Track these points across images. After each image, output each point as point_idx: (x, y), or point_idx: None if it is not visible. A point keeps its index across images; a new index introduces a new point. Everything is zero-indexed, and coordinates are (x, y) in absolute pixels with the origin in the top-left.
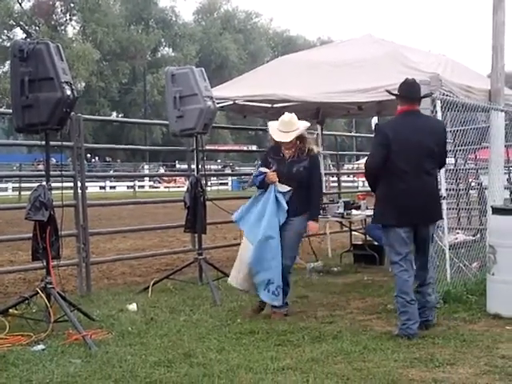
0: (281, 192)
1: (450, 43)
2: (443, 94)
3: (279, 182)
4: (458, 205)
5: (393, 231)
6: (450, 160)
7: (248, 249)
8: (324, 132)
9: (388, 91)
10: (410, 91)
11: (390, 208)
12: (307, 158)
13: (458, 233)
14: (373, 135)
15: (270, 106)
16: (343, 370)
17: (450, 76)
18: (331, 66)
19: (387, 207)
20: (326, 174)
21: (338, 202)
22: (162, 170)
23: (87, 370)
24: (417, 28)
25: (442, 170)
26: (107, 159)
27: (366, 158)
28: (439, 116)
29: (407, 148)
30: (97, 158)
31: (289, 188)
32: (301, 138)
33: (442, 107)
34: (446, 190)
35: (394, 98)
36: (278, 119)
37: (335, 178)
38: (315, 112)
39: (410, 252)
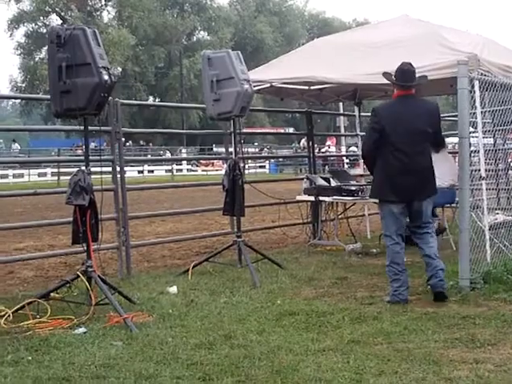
0: None
1: (488, 23)
2: (481, 74)
3: None
4: (497, 185)
5: (387, 206)
6: (488, 140)
7: None
8: (362, 113)
9: (385, 77)
10: (403, 78)
11: (385, 185)
12: None
13: (497, 213)
14: None
15: (307, 88)
16: (383, 350)
17: (487, 56)
18: (368, 47)
19: (383, 184)
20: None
21: None
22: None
23: (128, 352)
24: (453, 8)
25: (481, 151)
26: (141, 143)
27: None
28: (477, 96)
29: (401, 129)
30: (130, 142)
31: None
32: None
33: (480, 87)
34: (486, 170)
35: (433, 78)
36: (315, 102)
37: None
38: (352, 93)
39: (402, 227)
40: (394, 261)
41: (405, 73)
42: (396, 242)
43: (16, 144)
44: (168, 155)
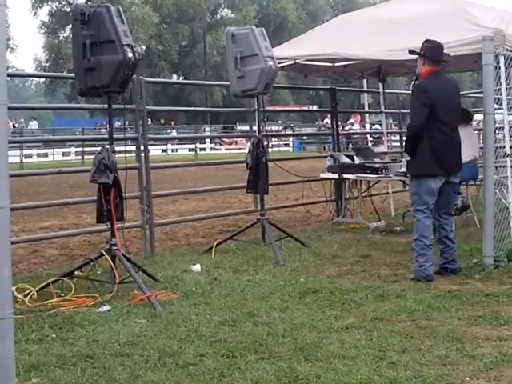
0: None
1: None
2: (507, 50)
3: None
4: None
5: (426, 182)
6: None
7: None
8: (385, 90)
9: (412, 51)
10: (437, 53)
11: (430, 160)
12: None
13: None
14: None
15: (331, 64)
16: (407, 328)
17: None
18: (392, 24)
19: (428, 159)
20: (387, 133)
21: (400, 161)
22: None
23: (152, 329)
24: None
25: (506, 128)
26: (162, 121)
27: None
28: (503, 72)
29: (446, 104)
30: (149, 120)
31: None
32: None
33: (505, 63)
34: (510, 147)
35: (458, 54)
36: (339, 78)
37: (397, 138)
38: (376, 70)
39: (434, 203)
40: (422, 234)
41: (439, 49)
42: (427, 216)
43: (34, 122)
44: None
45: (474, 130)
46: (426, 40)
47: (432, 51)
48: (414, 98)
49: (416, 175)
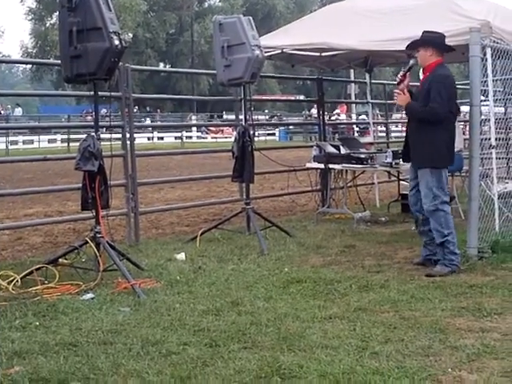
0: None
1: None
2: (493, 42)
3: None
4: (507, 154)
5: (444, 173)
6: (499, 109)
7: None
8: (372, 81)
9: (424, 42)
10: (445, 43)
11: (447, 151)
12: None
13: (507, 182)
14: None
15: (318, 54)
16: (390, 318)
17: (500, 23)
18: (380, 14)
19: (445, 150)
20: (374, 124)
21: (386, 152)
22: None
23: (136, 318)
24: None
25: (492, 119)
26: (148, 109)
27: None
28: (489, 64)
29: (455, 97)
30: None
31: None
32: None
33: (492, 55)
34: (496, 139)
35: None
36: (326, 68)
37: (383, 128)
38: (364, 60)
39: None
40: (452, 226)
41: (444, 39)
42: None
43: (19, 108)
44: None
45: (459, 121)
46: (427, 31)
47: (441, 41)
48: (444, 86)
49: (435, 167)
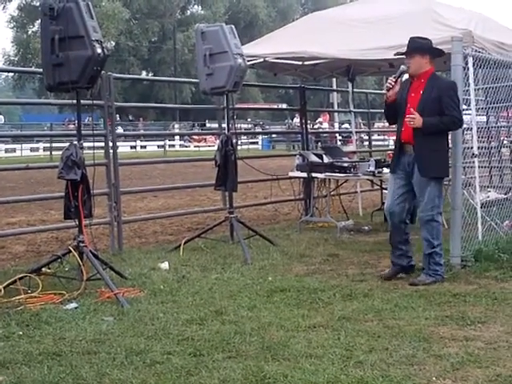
0: None
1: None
2: (475, 51)
3: None
4: (489, 163)
5: (442, 183)
6: (481, 118)
7: None
8: (355, 90)
9: (435, 49)
10: (440, 51)
11: (448, 161)
12: None
13: (489, 191)
14: None
15: (300, 63)
16: (374, 327)
17: (482, 32)
18: (362, 23)
19: (448, 160)
20: (356, 133)
21: (368, 161)
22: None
23: (119, 327)
24: None
25: (474, 128)
26: (130, 118)
27: None
28: (471, 73)
29: None
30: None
31: None
32: None
33: (474, 64)
34: (478, 148)
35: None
36: (308, 77)
37: (366, 137)
38: (346, 69)
39: None
40: (440, 237)
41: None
42: None
43: (1, 116)
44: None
45: None
46: (417, 37)
47: (434, 48)
48: (455, 94)
49: (439, 177)
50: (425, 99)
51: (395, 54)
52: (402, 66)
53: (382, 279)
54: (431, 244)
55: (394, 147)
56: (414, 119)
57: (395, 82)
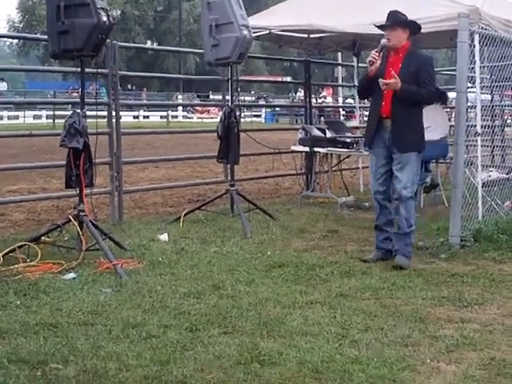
0: None
1: None
2: (482, 28)
3: None
4: (492, 142)
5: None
6: (486, 96)
7: None
8: (360, 65)
9: (412, 22)
10: (419, 28)
11: (424, 135)
12: None
13: (491, 170)
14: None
15: (306, 36)
16: (371, 306)
17: (488, 9)
18: None
19: (424, 135)
20: (360, 108)
21: None
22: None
23: (117, 299)
24: None
25: (479, 106)
26: (129, 87)
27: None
28: (477, 50)
29: None
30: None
31: None
32: None
33: (480, 41)
34: (481, 126)
35: (432, 31)
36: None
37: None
38: (351, 44)
39: None
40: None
41: None
42: None
43: (4, 83)
44: None
45: (445, 108)
46: (397, 11)
47: (414, 24)
48: (432, 68)
49: (420, 151)
50: (403, 73)
51: (376, 26)
52: (383, 40)
53: (366, 262)
54: (409, 223)
55: (368, 122)
56: (393, 79)
57: (378, 56)
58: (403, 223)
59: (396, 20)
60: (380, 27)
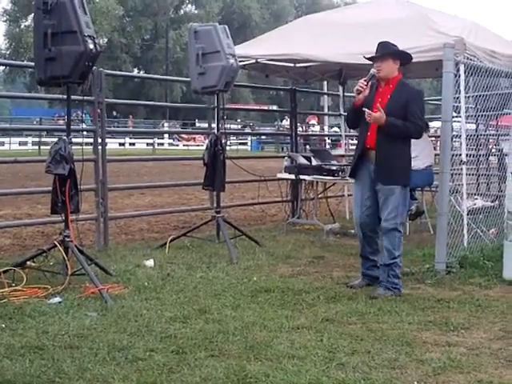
0: None
1: (476, 8)
2: (467, 58)
3: None
4: (477, 170)
5: (407, 190)
6: (471, 126)
7: None
8: (345, 94)
9: (405, 53)
10: (410, 59)
11: (410, 169)
12: None
13: (476, 198)
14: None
15: (292, 65)
16: (357, 330)
17: (474, 40)
18: (355, 27)
19: (410, 168)
20: (346, 136)
21: None
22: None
23: (103, 323)
24: None
25: (463, 136)
26: (114, 114)
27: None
28: (462, 80)
29: None
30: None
31: None
32: None
33: (465, 71)
34: (466, 155)
35: (418, 60)
36: (299, 80)
37: (355, 141)
38: (337, 73)
39: None
40: (401, 251)
41: None
42: None
43: None
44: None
45: (430, 136)
46: (388, 42)
47: (405, 55)
48: (422, 102)
49: (405, 184)
50: (392, 104)
51: (365, 58)
52: (373, 70)
53: (352, 288)
54: (392, 255)
55: (355, 152)
56: (377, 112)
57: (366, 85)
58: (385, 255)
59: (387, 51)
60: (370, 59)
